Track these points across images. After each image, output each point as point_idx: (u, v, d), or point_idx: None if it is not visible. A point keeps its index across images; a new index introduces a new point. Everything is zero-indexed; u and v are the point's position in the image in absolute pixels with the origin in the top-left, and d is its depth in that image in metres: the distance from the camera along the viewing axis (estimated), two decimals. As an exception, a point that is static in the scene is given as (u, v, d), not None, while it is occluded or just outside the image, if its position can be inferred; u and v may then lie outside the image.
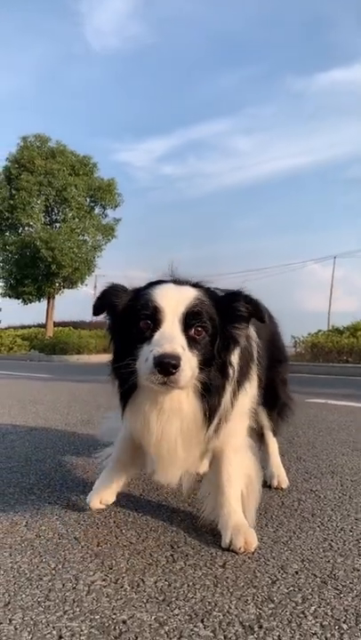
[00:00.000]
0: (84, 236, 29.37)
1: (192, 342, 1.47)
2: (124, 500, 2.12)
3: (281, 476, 2.43)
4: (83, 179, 29.23)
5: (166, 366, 1.35)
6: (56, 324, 31.09)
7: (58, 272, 27.81)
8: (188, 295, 1.52)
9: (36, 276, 28.48)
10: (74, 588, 1.40)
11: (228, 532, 1.71)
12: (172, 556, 1.62)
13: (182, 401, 1.55)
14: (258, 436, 2.47)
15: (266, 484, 2.40)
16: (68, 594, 1.37)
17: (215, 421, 1.60)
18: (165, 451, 1.60)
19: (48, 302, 30.42)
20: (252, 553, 1.64)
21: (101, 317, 1.67)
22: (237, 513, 1.78)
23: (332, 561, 1.61)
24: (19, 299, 29.93)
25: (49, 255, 26.82)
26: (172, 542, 1.73)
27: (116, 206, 30.55)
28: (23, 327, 34.93)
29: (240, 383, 1.71)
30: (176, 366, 1.36)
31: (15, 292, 29.51)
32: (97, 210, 30.68)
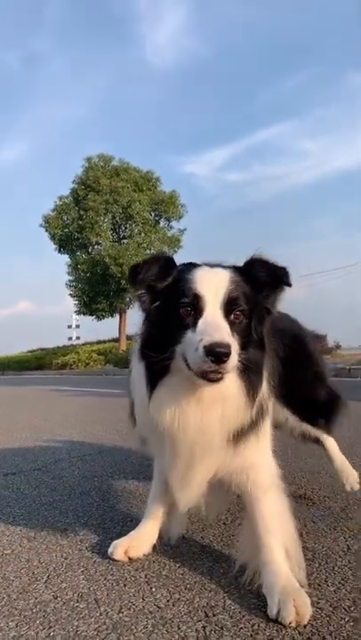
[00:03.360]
0: (150, 249, 29.69)
1: (232, 327, 1.43)
2: (164, 545, 1.87)
3: (347, 472, 2.34)
4: (147, 194, 29.63)
5: (219, 355, 1.31)
6: (129, 338, 31.56)
7: (127, 287, 28.25)
8: (224, 279, 1.46)
9: (107, 292, 29.12)
10: None
11: (274, 598, 1.40)
12: (203, 629, 1.33)
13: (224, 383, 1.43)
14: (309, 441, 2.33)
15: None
16: None
17: (258, 399, 1.49)
18: (189, 444, 1.48)
19: (120, 317, 30.98)
20: (305, 626, 1.32)
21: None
22: (285, 572, 1.47)
23: None
24: (92, 315, 30.79)
25: (118, 271, 27.33)
26: (208, 607, 1.44)
27: (180, 217, 30.67)
28: (100, 342, 35.84)
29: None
30: (228, 354, 1.32)
31: (89, 309, 30.36)
32: (162, 223, 30.96)
